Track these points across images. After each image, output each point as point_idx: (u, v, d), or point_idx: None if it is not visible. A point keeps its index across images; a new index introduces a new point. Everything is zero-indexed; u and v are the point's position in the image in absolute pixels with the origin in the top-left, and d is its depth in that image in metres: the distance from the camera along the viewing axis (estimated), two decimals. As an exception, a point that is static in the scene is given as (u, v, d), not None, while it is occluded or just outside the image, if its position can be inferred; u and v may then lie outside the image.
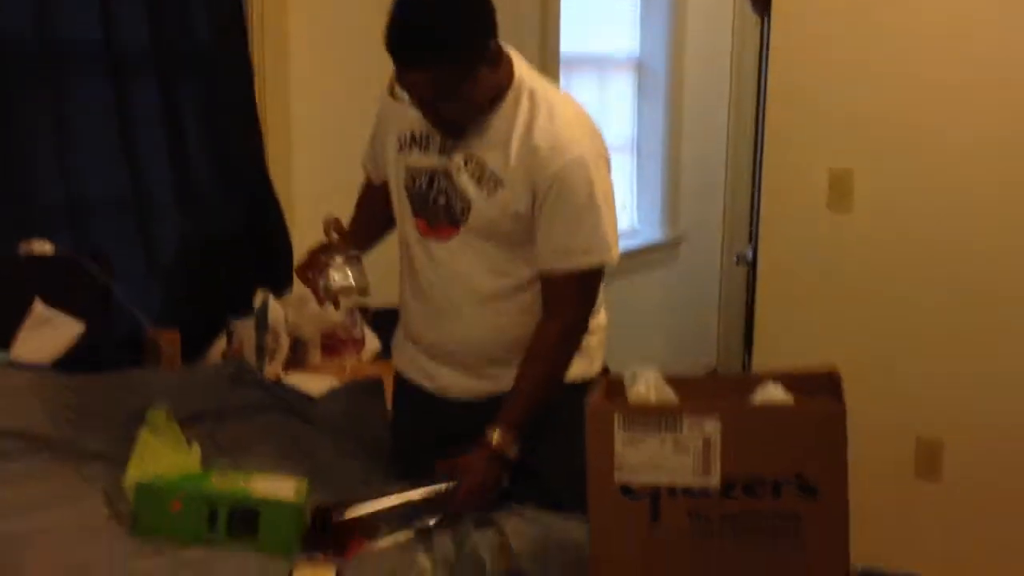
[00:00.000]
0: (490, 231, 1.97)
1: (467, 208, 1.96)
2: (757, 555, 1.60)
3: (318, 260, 2.00)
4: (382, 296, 2.03)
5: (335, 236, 2.01)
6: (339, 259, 1.98)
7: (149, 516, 1.78)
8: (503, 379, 2.03)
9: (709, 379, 2.16)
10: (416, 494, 1.90)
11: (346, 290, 1.99)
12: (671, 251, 5.29)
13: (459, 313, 2.05)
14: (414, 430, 2.24)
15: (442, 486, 1.91)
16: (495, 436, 1.94)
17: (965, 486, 3.26)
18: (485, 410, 2.01)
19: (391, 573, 1.65)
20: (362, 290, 2.00)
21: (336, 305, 2.04)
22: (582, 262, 1.95)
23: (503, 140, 1.92)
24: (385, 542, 1.80)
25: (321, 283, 1.99)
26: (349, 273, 1.98)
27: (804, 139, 3.35)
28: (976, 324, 3.19)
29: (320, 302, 2.02)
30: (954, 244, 3.19)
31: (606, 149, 2.00)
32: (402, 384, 2.26)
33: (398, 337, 2.27)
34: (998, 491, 3.22)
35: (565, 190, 1.90)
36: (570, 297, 1.99)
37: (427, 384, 2.16)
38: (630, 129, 5.13)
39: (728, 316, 5.58)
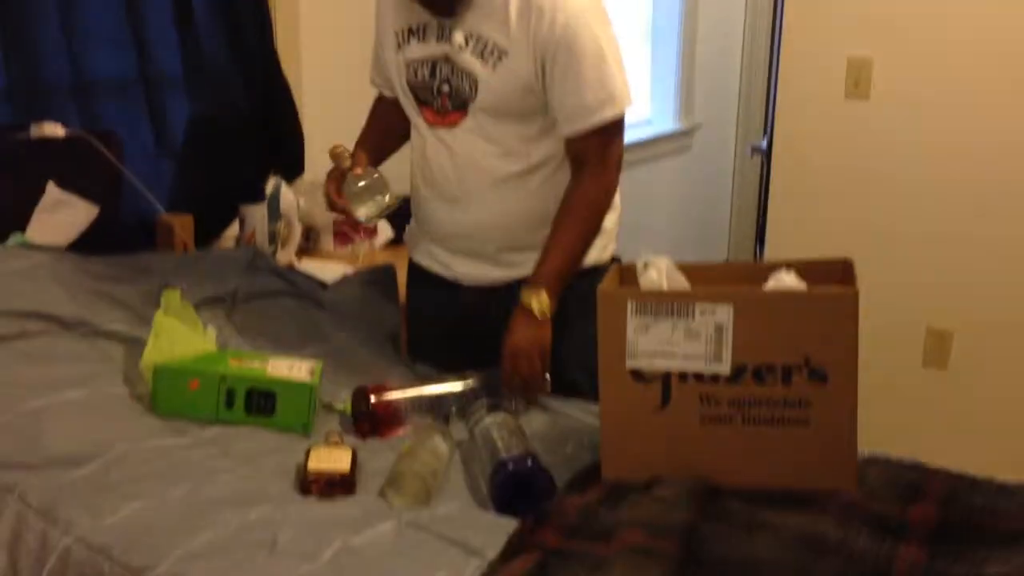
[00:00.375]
0: (499, 108, 1.95)
1: (474, 86, 1.94)
2: (766, 440, 1.63)
3: (340, 187, 1.99)
4: (394, 185, 2.03)
5: (347, 161, 1.99)
6: (361, 184, 1.98)
7: (167, 396, 1.81)
8: (518, 266, 2.03)
9: (721, 267, 2.15)
10: (458, 384, 1.93)
11: (380, 211, 2.00)
12: (685, 141, 5.23)
13: (471, 199, 2.04)
14: (431, 316, 2.25)
15: (485, 374, 1.92)
16: (532, 298, 1.93)
17: (971, 376, 3.30)
18: (502, 295, 2.02)
19: (407, 454, 1.67)
20: (391, 206, 2.00)
21: (373, 230, 2.03)
22: (602, 117, 1.93)
23: (500, 9, 1.89)
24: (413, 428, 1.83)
25: (354, 211, 1.99)
26: (376, 196, 1.98)
27: (823, 26, 3.28)
28: (989, 215, 3.18)
29: (359, 231, 2.02)
30: (971, 134, 3.15)
31: (603, 4, 1.96)
32: (417, 272, 2.27)
33: (411, 228, 2.27)
34: (1004, 381, 3.25)
35: (572, 48, 1.87)
36: (597, 153, 1.97)
37: (443, 272, 2.17)
38: (646, 16, 5.02)
39: (741, 207, 5.55)
